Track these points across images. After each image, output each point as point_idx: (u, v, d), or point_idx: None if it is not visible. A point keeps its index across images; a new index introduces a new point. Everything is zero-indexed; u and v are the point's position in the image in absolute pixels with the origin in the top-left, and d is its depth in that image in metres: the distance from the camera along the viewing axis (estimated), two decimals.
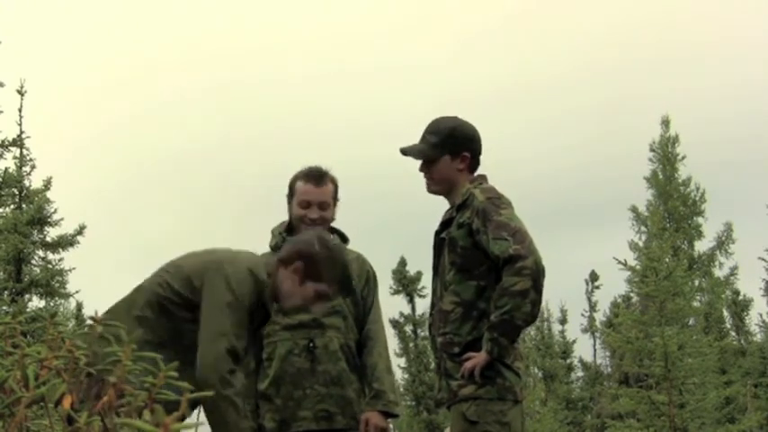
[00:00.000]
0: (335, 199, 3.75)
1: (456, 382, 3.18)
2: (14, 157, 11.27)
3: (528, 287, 3.04)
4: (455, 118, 3.43)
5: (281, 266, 2.95)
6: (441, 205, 3.46)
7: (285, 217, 3.82)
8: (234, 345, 2.76)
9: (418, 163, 3.41)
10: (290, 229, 3.77)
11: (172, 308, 2.85)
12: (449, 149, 3.34)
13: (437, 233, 3.39)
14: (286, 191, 3.77)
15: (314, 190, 3.68)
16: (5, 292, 10.78)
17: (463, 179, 3.35)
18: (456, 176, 3.35)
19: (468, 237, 3.21)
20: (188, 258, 2.96)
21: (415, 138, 3.43)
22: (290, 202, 3.76)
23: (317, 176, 3.69)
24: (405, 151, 3.38)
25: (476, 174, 3.40)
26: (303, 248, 2.97)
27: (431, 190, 3.42)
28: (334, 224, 3.81)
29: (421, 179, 3.44)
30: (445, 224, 3.36)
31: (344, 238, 3.82)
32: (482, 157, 3.43)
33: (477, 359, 3.13)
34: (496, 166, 3.44)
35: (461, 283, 3.22)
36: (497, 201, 3.21)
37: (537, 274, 3.06)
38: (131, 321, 2.75)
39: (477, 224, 3.17)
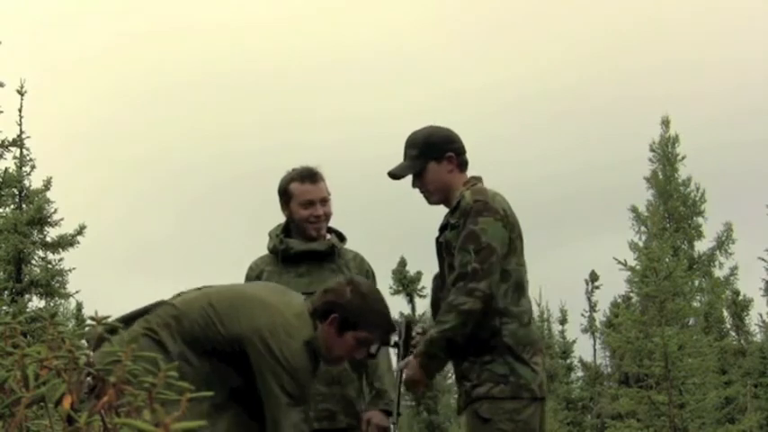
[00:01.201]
0: (329, 193, 3.79)
1: (469, 382, 3.18)
2: (14, 157, 11.30)
3: (477, 308, 3.07)
4: (429, 126, 3.44)
5: (318, 322, 2.87)
6: (441, 206, 3.46)
7: (281, 220, 3.85)
8: (304, 412, 2.77)
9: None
10: (287, 231, 3.79)
11: (213, 350, 2.78)
12: (432, 156, 3.34)
13: (437, 238, 3.41)
14: (277, 198, 3.80)
15: (313, 188, 3.72)
16: (5, 292, 10.78)
17: (456, 180, 3.35)
18: (448, 179, 3.35)
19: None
20: (234, 308, 2.82)
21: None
22: (286, 207, 3.77)
23: (310, 174, 3.74)
24: (392, 173, 3.38)
25: (469, 174, 3.40)
26: (335, 299, 2.90)
27: (431, 201, 3.42)
28: (331, 223, 3.83)
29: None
30: (443, 229, 3.37)
31: (342, 238, 3.83)
32: (487, 161, 3.45)
33: (414, 375, 3.19)
34: (497, 167, 3.44)
35: None
36: (482, 205, 3.19)
37: (487, 299, 3.09)
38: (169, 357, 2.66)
39: (462, 226, 3.19)
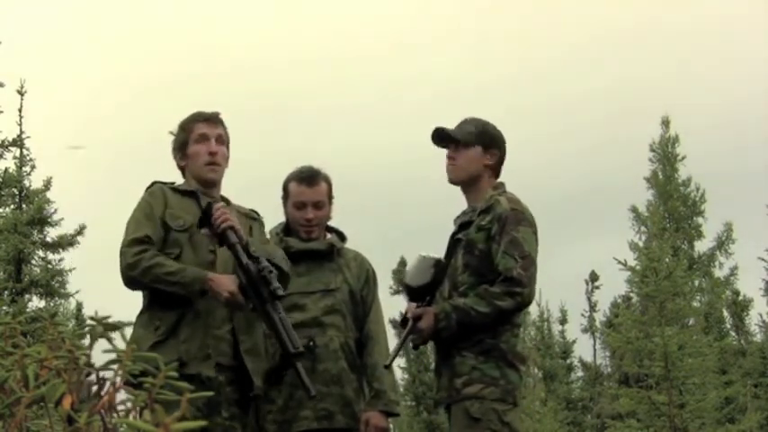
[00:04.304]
0: (331, 197, 3.76)
1: (460, 379, 3.21)
2: (14, 157, 11.27)
3: (511, 309, 3.15)
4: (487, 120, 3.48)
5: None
6: (440, 206, 3.48)
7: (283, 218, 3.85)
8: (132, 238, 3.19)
9: (433, 157, 3.47)
10: (287, 230, 3.78)
11: None
12: (483, 141, 3.38)
13: (453, 234, 3.41)
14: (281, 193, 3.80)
15: (307, 190, 3.68)
16: (5, 292, 10.77)
17: (486, 178, 3.38)
18: (480, 171, 3.38)
19: (486, 241, 3.25)
20: None
21: (420, 131, 3.46)
22: (285, 204, 3.77)
23: (308, 177, 3.70)
24: (442, 129, 3.39)
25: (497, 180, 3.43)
26: None
27: (451, 177, 3.43)
28: (331, 223, 3.82)
29: (421, 179, 3.48)
30: (463, 226, 3.38)
31: (342, 237, 3.82)
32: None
33: (428, 327, 3.16)
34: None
35: (475, 286, 3.24)
36: (521, 215, 3.26)
37: (524, 306, 3.18)
38: None
39: (495, 230, 3.22)
